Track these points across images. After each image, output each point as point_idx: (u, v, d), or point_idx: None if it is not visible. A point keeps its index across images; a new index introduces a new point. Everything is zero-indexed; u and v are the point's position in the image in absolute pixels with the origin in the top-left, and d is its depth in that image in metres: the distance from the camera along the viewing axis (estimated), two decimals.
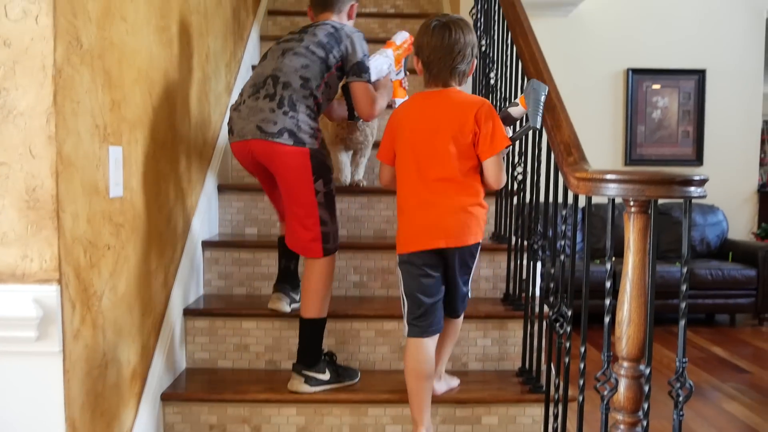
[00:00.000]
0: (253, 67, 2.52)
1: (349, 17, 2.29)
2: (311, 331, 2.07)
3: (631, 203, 1.34)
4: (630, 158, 6.36)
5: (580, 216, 5.48)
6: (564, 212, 1.74)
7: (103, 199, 1.61)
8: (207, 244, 2.51)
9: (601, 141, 6.33)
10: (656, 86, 6.38)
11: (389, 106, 2.30)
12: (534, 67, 2.01)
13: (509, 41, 2.46)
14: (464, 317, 2.07)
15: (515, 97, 2.36)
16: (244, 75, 3.25)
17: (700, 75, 6.36)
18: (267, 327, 2.28)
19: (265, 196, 2.72)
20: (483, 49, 2.94)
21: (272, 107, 1.99)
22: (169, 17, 2.10)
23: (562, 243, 1.74)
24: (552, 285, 1.83)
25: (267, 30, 3.98)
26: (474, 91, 3.25)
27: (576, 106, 5.94)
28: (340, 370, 2.13)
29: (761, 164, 6.94)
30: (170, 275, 2.17)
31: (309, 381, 2.06)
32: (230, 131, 2.08)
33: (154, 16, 1.95)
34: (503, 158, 1.95)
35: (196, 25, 2.44)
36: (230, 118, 2.09)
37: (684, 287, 1.35)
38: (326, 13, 2.23)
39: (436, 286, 1.91)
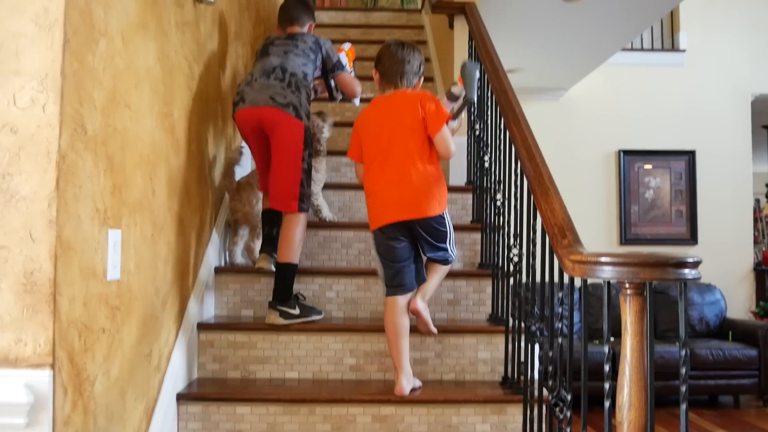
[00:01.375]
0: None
1: (309, 30, 2.97)
2: (286, 273, 2.55)
3: (627, 285, 1.35)
4: (625, 238, 6.40)
5: (577, 296, 5.47)
6: (560, 294, 1.75)
7: (101, 282, 1.61)
8: (202, 327, 2.49)
9: (595, 221, 6.39)
10: (648, 167, 6.50)
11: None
12: (527, 151, 2.06)
13: (502, 126, 2.53)
14: (462, 401, 2.05)
15: (509, 180, 2.41)
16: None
17: (690, 156, 6.49)
18: (261, 412, 2.23)
19: (261, 277, 2.75)
20: (477, 133, 3.02)
21: (282, 86, 2.61)
22: (172, 104, 2.17)
23: (560, 325, 1.73)
24: (551, 368, 1.81)
25: None
26: (468, 173, 3.32)
27: (569, 187, 6.04)
28: (306, 308, 2.58)
29: (755, 243, 6.98)
30: (164, 358, 2.15)
31: (283, 315, 2.50)
32: (241, 100, 2.62)
33: (157, 103, 2.01)
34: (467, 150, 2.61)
35: (198, 111, 2.52)
36: (241, 91, 2.64)
37: (683, 370, 1.34)
38: (294, 27, 2.92)
39: (402, 251, 2.34)
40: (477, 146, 3.04)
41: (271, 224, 2.73)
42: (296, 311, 2.53)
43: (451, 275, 2.77)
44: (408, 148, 2.31)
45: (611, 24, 4.78)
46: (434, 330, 2.43)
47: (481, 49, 2.99)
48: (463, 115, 2.52)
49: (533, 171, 1.98)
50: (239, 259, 2.96)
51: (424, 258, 2.42)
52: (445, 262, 2.41)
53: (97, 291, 1.59)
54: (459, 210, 3.26)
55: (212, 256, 2.74)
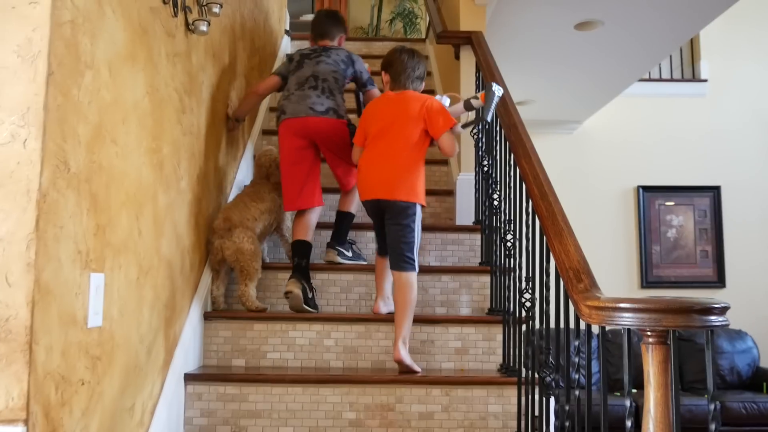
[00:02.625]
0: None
1: (339, 44, 3.39)
2: (345, 220, 3.18)
3: (649, 333, 1.34)
4: (646, 280, 6.37)
5: (595, 344, 5.43)
6: (577, 342, 1.73)
7: (81, 329, 1.60)
8: (190, 377, 2.47)
9: (613, 263, 6.35)
10: (670, 204, 6.49)
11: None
12: (538, 189, 2.08)
13: (512, 162, 2.55)
14: None
15: (520, 220, 2.42)
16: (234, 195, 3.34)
17: (715, 191, 6.49)
18: None
19: (254, 324, 2.74)
20: (486, 169, 3.05)
21: (318, 94, 3.11)
22: (162, 139, 2.20)
23: (577, 375, 1.72)
24: (568, 423, 1.79)
25: (260, 148, 4.12)
26: (477, 212, 3.34)
27: (585, 226, 6.05)
28: (356, 254, 3.22)
29: None
30: (148, 413, 2.12)
31: (340, 254, 3.12)
32: (282, 113, 3.14)
33: (145, 139, 2.04)
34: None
35: (189, 146, 2.54)
36: (282, 105, 3.16)
37: (713, 426, 1.32)
38: (326, 40, 3.36)
39: (381, 228, 2.80)
40: (485, 183, 3.06)
41: (301, 255, 2.99)
42: (350, 254, 3.17)
43: (459, 321, 2.75)
44: (400, 137, 2.73)
45: (627, 53, 4.85)
46: (417, 369, 2.61)
47: (488, 78, 3.03)
48: (458, 128, 2.85)
49: (546, 210, 1.98)
50: (223, 305, 2.89)
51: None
52: (401, 266, 2.69)
53: (76, 339, 1.58)
54: (467, 251, 3.26)
55: (202, 300, 2.73)
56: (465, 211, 3.52)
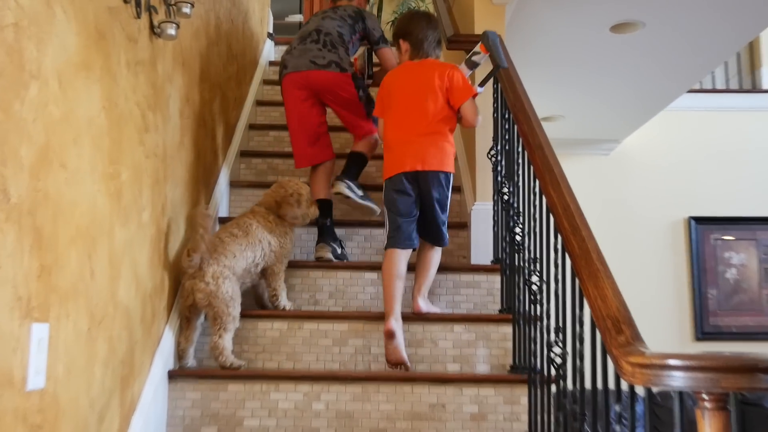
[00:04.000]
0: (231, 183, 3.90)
1: (359, 4, 3.94)
2: (359, 159, 3.61)
3: (705, 397, 1.33)
4: (701, 331, 6.32)
5: (640, 409, 5.35)
6: (618, 407, 1.72)
7: (18, 392, 1.59)
8: None
9: (660, 310, 6.32)
10: (728, 238, 6.46)
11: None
12: (569, 221, 2.08)
13: (537, 189, 2.56)
14: None
15: (547, 258, 2.42)
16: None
17: None
18: None
19: (229, 384, 2.73)
20: (506, 198, 3.06)
21: (319, 47, 3.60)
22: (120, 162, 2.21)
23: None
24: None
25: (238, 175, 4.16)
26: (495, 249, 3.34)
27: (625, 265, 6.02)
28: (367, 197, 3.59)
29: None
30: None
31: (350, 188, 3.50)
32: (284, 68, 3.64)
33: (101, 162, 2.05)
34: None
35: (152, 171, 2.56)
36: (284, 60, 3.67)
37: None
38: (343, 0, 3.92)
39: (408, 205, 3.08)
40: (506, 215, 3.07)
41: (324, 215, 3.51)
42: (360, 192, 3.55)
43: (475, 381, 2.74)
44: (428, 108, 3.10)
45: (674, 60, 4.89)
46: (437, 309, 3.10)
47: (508, 91, 3.06)
48: (490, 83, 3.32)
49: (578, 247, 1.99)
50: (191, 361, 2.87)
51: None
52: (440, 242, 3.14)
53: (12, 404, 1.57)
54: (484, 296, 3.26)
55: (165, 355, 2.72)
56: (481, 247, 3.53)
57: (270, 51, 5.65)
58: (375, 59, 3.84)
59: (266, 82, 5.19)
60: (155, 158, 2.59)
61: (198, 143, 3.25)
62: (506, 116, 3.16)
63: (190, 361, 2.87)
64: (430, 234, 3.13)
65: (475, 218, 3.61)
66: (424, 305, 3.07)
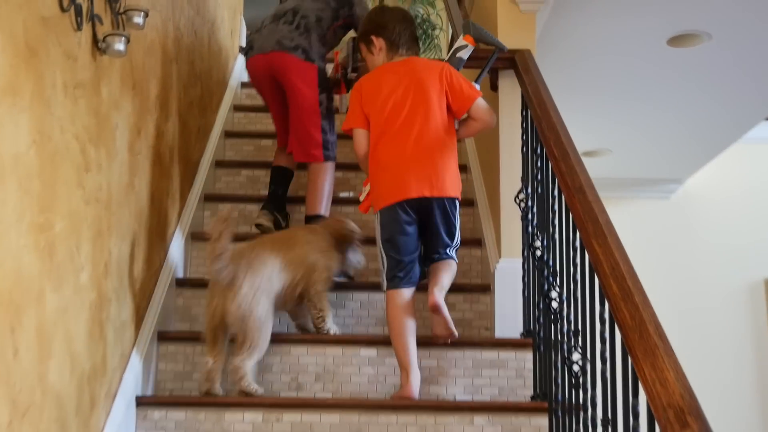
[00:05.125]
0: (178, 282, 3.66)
1: None
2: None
3: None
4: None
5: None
6: None
7: None
8: None
9: (737, 396, 6.26)
10: None
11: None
12: (618, 284, 2.08)
13: (578, 243, 2.56)
14: None
15: (592, 330, 2.41)
16: (161, 295, 3.35)
17: None
18: None
19: None
20: (539, 253, 3.06)
21: (290, 29, 3.89)
22: (53, 209, 2.21)
23: None
24: None
25: (201, 225, 4.15)
26: (525, 319, 3.33)
27: (691, 339, 5.98)
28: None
29: None
30: None
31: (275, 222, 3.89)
32: (250, 48, 4.00)
33: (29, 210, 2.05)
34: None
35: (93, 221, 2.56)
36: (250, 40, 4.02)
37: None
38: None
39: (412, 237, 3.19)
40: (539, 275, 3.06)
41: (279, 183, 3.98)
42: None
43: None
44: (433, 119, 3.20)
45: (747, 79, 4.91)
46: (455, 331, 3.15)
47: (542, 121, 3.07)
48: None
49: (630, 317, 1.98)
50: (218, 388, 3.05)
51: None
52: (447, 254, 3.25)
53: None
54: (512, 379, 3.23)
55: None
56: (508, 316, 3.51)
57: (242, 69, 5.69)
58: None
59: (238, 108, 5.24)
60: (97, 204, 2.60)
61: (152, 185, 3.26)
62: (538, 151, 3.18)
63: (218, 388, 3.04)
64: (438, 250, 3.26)
65: (500, 279, 3.60)
66: (440, 297, 3.12)
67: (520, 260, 3.43)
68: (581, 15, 4.22)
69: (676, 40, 4.47)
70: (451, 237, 3.24)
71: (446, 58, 3.48)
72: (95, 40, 2.51)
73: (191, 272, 3.87)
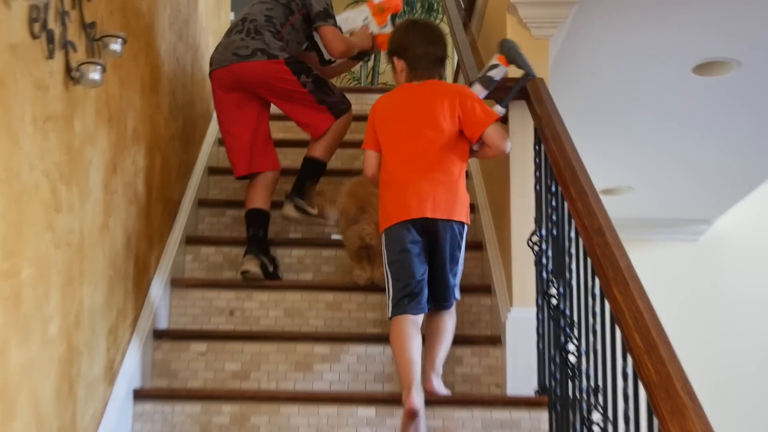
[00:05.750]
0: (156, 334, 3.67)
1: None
2: (313, 168, 4.18)
3: None
4: None
5: None
6: None
7: None
8: None
9: None
10: None
11: (366, 53, 4.48)
12: (642, 336, 2.07)
13: (597, 290, 2.56)
14: None
15: (614, 387, 2.41)
16: (138, 348, 3.34)
17: None
18: None
19: None
20: (555, 302, 3.05)
21: (242, 37, 4.10)
22: (20, 254, 2.21)
23: None
24: None
25: (183, 270, 4.15)
26: (540, 375, 3.32)
27: (722, 396, 5.93)
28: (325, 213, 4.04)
29: None
30: None
31: (298, 209, 4.10)
32: (210, 66, 4.19)
33: None
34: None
35: (64, 266, 2.56)
36: (211, 58, 4.22)
37: None
38: None
39: (420, 257, 3.31)
40: (555, 326, 3.05)
41: (257, 226, 4.05)
42: (315, 211, 4.06)
43: None
44: (437, 140, 3.36)
45: None
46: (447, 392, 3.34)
47: (557, 156, 3.08)
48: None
49: (655, 373, 1.97)
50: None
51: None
52: (449, 303, 3.41)
53: None
54: None
55: None
56: (521, 372, 3.49)
57: None
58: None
59: (223, 142, 5.23)
60: (68, 248, 2.60)
61: (128, 227, 3.27)
62: (553, 189, 3.18)
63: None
64: (437, 296, 3.39)
65: (511, 330, 3.59)
66: (438, 384, 3.30)
67: (534, 309, 3.42)
68: (598, 41, 4.25)
69: (702, 68, 4.49)
70: (455, 262, 3.39)
71: (479, 76, 3.58)
72: (68, 68, 2.52)
73: (171, 322, 3.85)
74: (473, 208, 4.51)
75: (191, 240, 4.27)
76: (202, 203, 4.58)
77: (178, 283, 3.94)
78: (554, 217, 3.17)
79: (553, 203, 3.19)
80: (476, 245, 4.23)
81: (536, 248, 3.38)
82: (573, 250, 2.92)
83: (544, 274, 3.25)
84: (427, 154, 3.36)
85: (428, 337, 3.36)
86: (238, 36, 4.11)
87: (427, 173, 3.34)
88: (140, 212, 3.47)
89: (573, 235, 2.92)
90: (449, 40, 4.19)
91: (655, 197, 6.16)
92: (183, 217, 4.24)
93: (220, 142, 5.16)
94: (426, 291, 3.32)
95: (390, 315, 3.30)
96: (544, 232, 3.31)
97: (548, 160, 3.22)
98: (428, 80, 3.52)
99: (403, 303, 3.27)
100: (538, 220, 3.41)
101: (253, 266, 3.88)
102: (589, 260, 2.66)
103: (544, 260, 3.28)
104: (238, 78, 4.05)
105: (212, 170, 4.93)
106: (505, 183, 3.84)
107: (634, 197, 6.15)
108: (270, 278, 3.93)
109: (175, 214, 4.15)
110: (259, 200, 4.08)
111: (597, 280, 2.56)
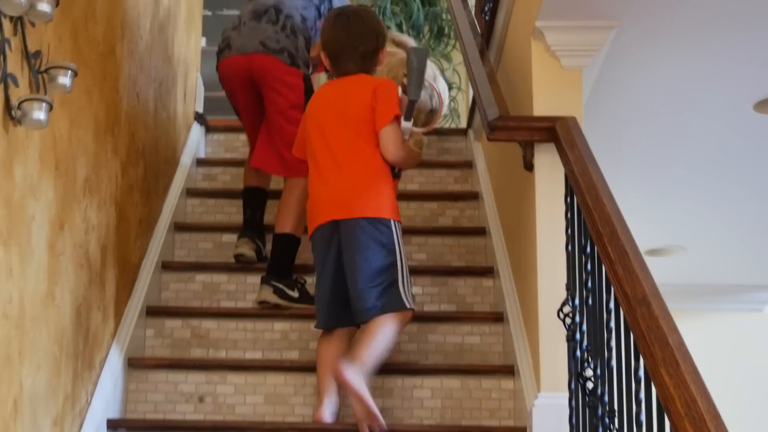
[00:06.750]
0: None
1: None
2: (285, 245, 4.31)
3: None
4: None
5: None
6: None
7: None
8: None
9: None
10: None
11: None
12: (695, 428, 2.06)
13: (642, 372, 2.55)
14: None
15: None
16: None
17: None
18: None
19: None
20: (591, 386, 3.03)
21: (276, 30, 4.44)
22: None
23: None
24: None
25: (143, 347, 4.13)
26: None
27: None
28: (308, 295, 4.21)
29: None
30: None
31: (278, 292, 4.20)
32: (226, 47, 4.52)
33: None
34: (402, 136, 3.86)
35: (1, 344, 2.54)
36: (227, 37, 4.55)
37: None
38: None
39: (332, 265, 3.75)
40: (590, 415, 3.04)
41: (254, 206, 4.58)
42: (296, 294, 4.23)
43: None
44: (357, 138, 3.80)
45: None
46: (380, 419, 3.47)
47: (593, 211, 3.06)
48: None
49: None
50: None
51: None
52: (395, 307, 3.69)
53: None
54: None
55: None
56: None
57: (198, 142, 5.72)
58: None
59: (192, 192, 5.27)
60: (6, 322, 2.59)
61: (77, 295, 3.26)
62: (588, 250, 3.17)
63: None
64: (356, 308, 3.73)
65: (539, 420, 3.57)
66: (351, 373, 3.46)
67: (566, 395, 3.40)
68: (643, 71, 4.25)
69: (765, 105, 4.50)
70: (373, 266, 3.72)
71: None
72: (8, 106, 2.51)
73: (129, 411, 3.83)
74: (491, 271, 4.52)
75: (153, 311, 4.26)
76: (166, 266, 4.58)
77: (137, 363, 3.93)
78: (590, 284, 3.16)
79: (589, 267, 3.17)
80: (495, 317, 4.24)
81: (568, 321, 3.37)
82: (612, 324, 2.90)
83: (578, 353, 3.23)
84: (343, 154, 3.79)
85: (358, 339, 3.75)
86: (270, 26, 4.45)
87: (337, 174, 3.77)
88: (92, 278, 3.46)
89: (612, 305, 2.90)
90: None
91: (711, 259, 6.15)
92: (143, 283, 4.23)
93: (188, 192, 5.18)
94: (342, 302, 3.79)
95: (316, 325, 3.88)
96: (577, 301, 3.30)
97: (582, 214, 3.22)
98: (349, 76, 3.94)
99: (318, 313, 3.85)
100: (570, 288, 3.39)
101: (248, 250, 4.39)
102: (631, 336, 2.65)
103: (577, 336, 3.26)
104: (251, 67, 4.45)
105: (179, 226, 4.94)
106: (531, 241, 3.84)
107: (684, 259, 6.14)
108: (263, 261, 4.42)
109: (134, 280, 4.14)
110: (258, 178, 4.64)
111: (641, 360, 2.55)
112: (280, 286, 4.23)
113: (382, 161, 3.83)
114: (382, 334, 3.62)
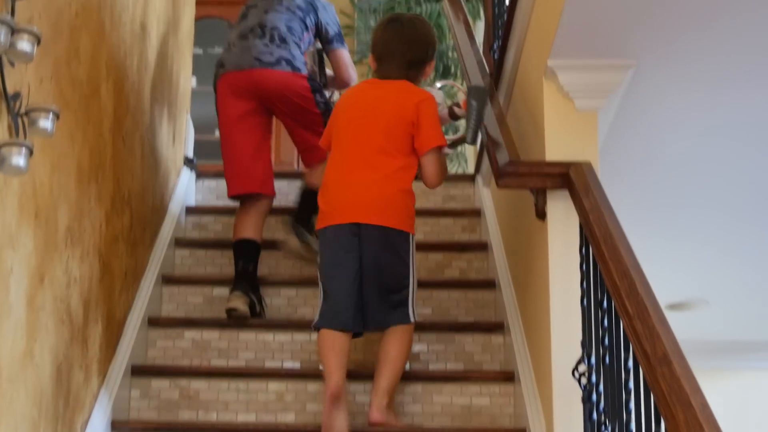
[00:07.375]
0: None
1: None
2: (310, 196, 4.68)
3: None
4: None
5: None
6: None
7: None
8: None
9: None
10: None
11: None
12: None
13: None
14: None
15: None
16: None
17: None
18: None
19: None
20: None
21: (265, 43, 4.76)
22: None
23: None
24: None
25: (128, 410, 4.13)
26: None
27: None
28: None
29: None
30: None
31: (303, 242, 4.86)
32: (221, 66, 4.84)
33: None
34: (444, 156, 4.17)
35: None
36: (221, 59, 4.90)
37: None
38: None
39: (348, 266, 3.90)
40: None
41: (247, 257, 4.63)
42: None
43: None
44: (386, 144, 3.97)
45: None
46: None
47: (610, 263, 3.07)
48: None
49: None
50: None
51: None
52: (403, 320, 3.91)
53: None
54: None
55: None
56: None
57: (188, 188, 5.72)
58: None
59: (181, 243, 5.28)
60: None
61: (58, 354, 3.25)
62: (604, 305, 3.16)
63: None
64: (370, 314, 3.94)
65: None
66: (380, 414, 3.75)
67: None
68: (663, 116, 4.25)
69: None
70: (396, 290, 3.96)
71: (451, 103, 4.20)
72: None
73: None
74: (501, 327, 4.51)
75: (139, 370, 4.25)
76: (153, 322, 4.57)
77: (121, 426, 3.92)
78: (606, 341, 3.15)
79: (605, 323, 3.17)
80: (506, 377, 4.22)
81: (584, 381, 3.36)
82: (631, 384, 2.90)
83: (595, 415, 3.22)
84: (367, 154, 3.99)
85: (377, 363, 3.91)
86: (259, 41, 4.77)
87: (364, 176, 3.95)
88: (74, 335, 3.45)
89: (631, 364, 2.90)
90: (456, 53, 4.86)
91: (737, 313, 6.14)
92: (129, 340, 4.22)
93: (177, 242, 5.18)
94: (356, 306, 3.93)
95: (314, 325, 3.99)
96: (593, 360, 3.30)
97: (598, 266, 3.21)
98: (394, 81, 4.13)
99: (326, 315, 3.96)
100: (585, 345, 3.39)
101: (241, 304, 4.41)
102: (651, 397, 2.64)
103: (594, 397, 3.25)
104: (257, 85, 4.77)
105: (167, 279, 4.93)
106: (543, 295, 3.83)
107: (709, 314, 6.13)
108: (256, 317, 4.54)
109: (118, 336, 4.14)
110: (250, 230, 4.72)
111: (663, 423, 2.54)
112: (307, 236, 4.79)
113: (411, 173, 4.03)
114: (397, 353, 3.85)
